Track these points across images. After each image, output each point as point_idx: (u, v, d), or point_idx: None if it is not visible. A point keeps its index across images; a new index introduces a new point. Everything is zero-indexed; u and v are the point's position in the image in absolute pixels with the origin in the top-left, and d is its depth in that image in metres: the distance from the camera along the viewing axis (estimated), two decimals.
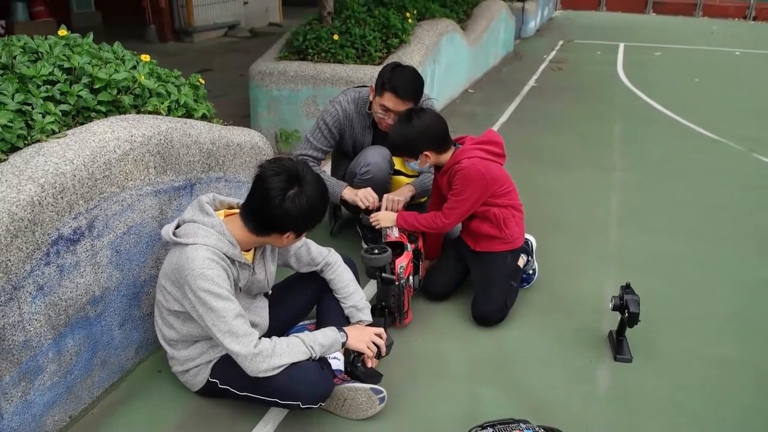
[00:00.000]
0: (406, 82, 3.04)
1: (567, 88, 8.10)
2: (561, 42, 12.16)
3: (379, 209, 3.06)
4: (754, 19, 18.35)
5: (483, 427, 1.96)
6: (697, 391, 2.47)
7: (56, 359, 2.04)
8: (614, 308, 2.58)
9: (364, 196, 3.10)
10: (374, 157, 3.17)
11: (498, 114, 6.67)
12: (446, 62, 6.48)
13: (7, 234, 1.76)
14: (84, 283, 2.10)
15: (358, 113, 3.29)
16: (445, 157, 2.79)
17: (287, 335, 2.48)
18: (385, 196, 3.09)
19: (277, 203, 1.99)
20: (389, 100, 3.06)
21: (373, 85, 3.17)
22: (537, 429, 1.92)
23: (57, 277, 1.98)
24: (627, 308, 2.53)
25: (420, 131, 2.71)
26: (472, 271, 2.96)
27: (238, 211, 2.18)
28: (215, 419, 2.24)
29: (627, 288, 2.60)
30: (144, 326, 2.47)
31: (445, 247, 3.14)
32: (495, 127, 6.13)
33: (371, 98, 3.20)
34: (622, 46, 11.75)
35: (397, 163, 3.31)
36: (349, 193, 3.17)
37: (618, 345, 2.66)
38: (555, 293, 3.13)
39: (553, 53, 10.82)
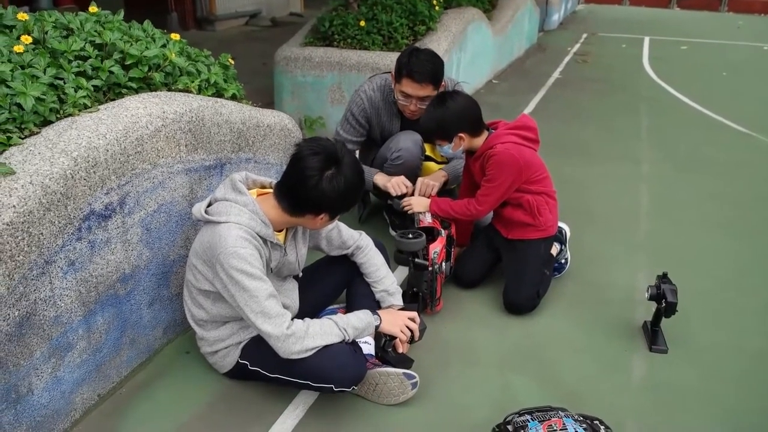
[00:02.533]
0: (421, 65, 2.94)
1: (593, 80, 7.98)
2: (585, 35, 12.00)
3: (411, 194, 3.01)
4: None
5: (520, 414, 1.91)
6: (733, 383, 2.41)
7: (86, 336, 2.02)
8: (651, 298, 2.52)
9: (397, 184, 3.03)
10: (406, 142, 3.11)
11: (523, 105, 6.58)
12: (472, 51, 6.40)
13: (40, 207, 1.74)
14: (114, 260, 2.07)
15: (384, 101, 3.21)
16: (479, 141, 2.73)
17: (318, 318, 2.45)
18: (419, 179, 3.03)
19: (314, 183, 1.94)
20: (407, 86, 2.98)
21: (393, 73, 3.10)
22: (576, 417, 1.86)
23: (88, 252, 1.95)
24: (664, 297, 2.46)
25: (455, 113, 2.65)
26: (503, 258, 2.90)
27: (270, 190, 2.14)
28: (244, 401, 2.21)
29: (664, 278, 2.54)
30: (172, 306, 2.44)
31: (475, 234, 3.09)
32: None
33: (393, 86, 3.13)
34: (647, 39, 11.57)
35: (427, 149, 3.25)
36: (381, 179, 3.12)
37: (653, 335, 2.60)
38: (586, 283, 3.06)
39: (577, 46, 10.68)
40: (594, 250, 3.38)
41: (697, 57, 10.13)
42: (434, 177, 3.13)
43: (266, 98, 5.64)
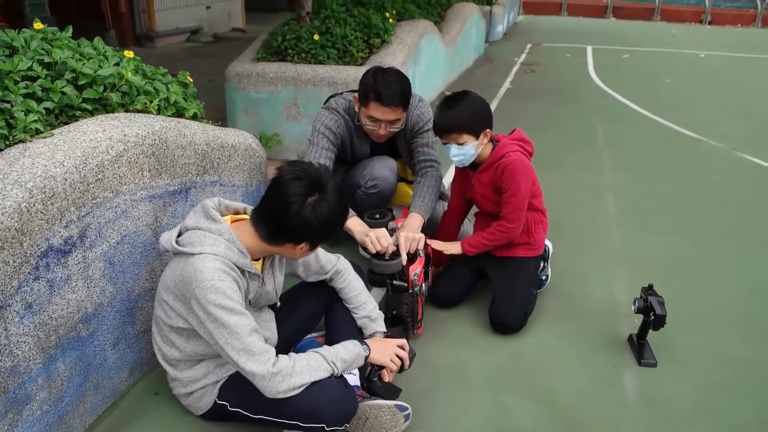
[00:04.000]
0: (389, 87, 2.75)
1: (542, 90, 8.03)
2: (529, 45, 12.14)
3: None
4: (710, 23, 18.70)
5: None
6: (728, 393, 2.37)
7: (46, 386, 1.82)
8: (638, 311, 2.46)
9: (377, 240, 2.58)
10: (381, 170, 2.99)
11: None
12: (426, 63, 6.34)
13: None
14: (76, 300, 1.88)
15: (353, 123, 3.03)
16: (488, 149, 2.66)
17: (295, 350, 2.30)
18: (402, 236, 2.60)
19: (296, 210, 1.80)
20: (376, 110, 2.79)
21: (356, 95, 2.90)
22: None
23: (47, 293, 1.77)
24: (652, 310, 2.41)
25: (482, 106, 2.61)
26: (492, 277, 2.80)
27: (245, 216, 2.00)
28: None
29: (650, 290, 2.49)
30: (138, 345, 2.25)
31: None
32: None
33: (357, 109, 2.93)
34: (590, 48, 11.78)
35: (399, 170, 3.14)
36: (357, 228, 2.71)
37: (640, 348, 2.54)
38: (566, 297, 3.00)
39: (523, 56, 10.78)
40: (568, 263, 3.32)
41: (639, 64, 10.36)
42: (412, 228, 2.74)
43: (216, 116, 5.41)
